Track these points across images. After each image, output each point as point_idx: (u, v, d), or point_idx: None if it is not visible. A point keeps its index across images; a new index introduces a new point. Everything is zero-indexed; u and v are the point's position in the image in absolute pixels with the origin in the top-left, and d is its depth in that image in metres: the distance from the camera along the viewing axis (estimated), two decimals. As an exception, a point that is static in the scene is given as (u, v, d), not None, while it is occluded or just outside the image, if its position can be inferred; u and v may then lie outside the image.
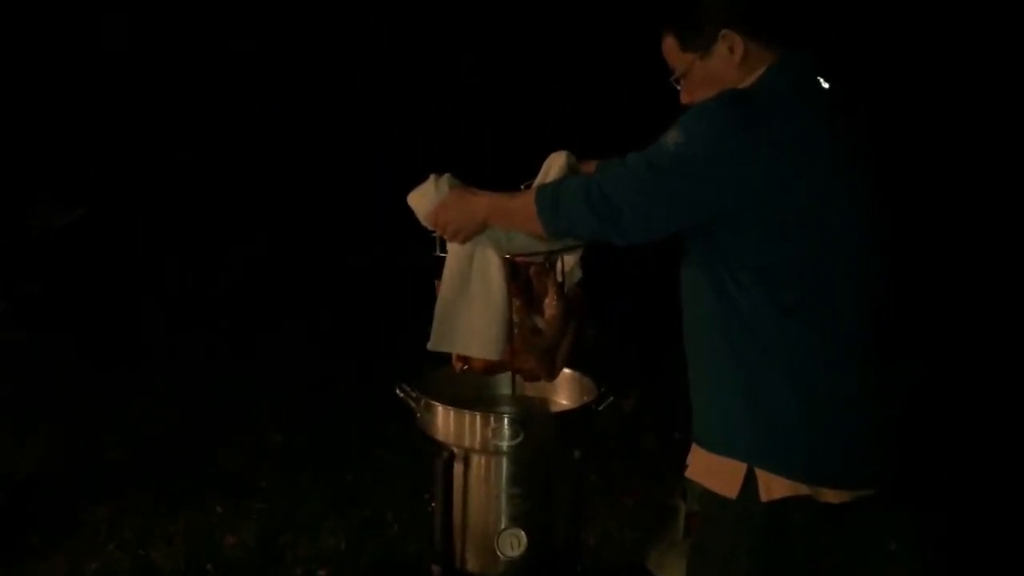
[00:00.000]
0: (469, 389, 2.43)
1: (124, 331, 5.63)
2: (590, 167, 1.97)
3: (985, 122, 6.88)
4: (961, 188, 6.69)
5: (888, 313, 1.75)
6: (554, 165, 1.95)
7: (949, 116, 6.84)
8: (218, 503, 3.53)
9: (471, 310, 1.97)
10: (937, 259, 5.95)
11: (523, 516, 2.20)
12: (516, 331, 2.01)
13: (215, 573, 3.11)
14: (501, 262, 1.95)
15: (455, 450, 2.20)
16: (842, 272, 1.67)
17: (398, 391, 2.32)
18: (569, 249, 2.01)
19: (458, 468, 2.21)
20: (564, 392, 2.47)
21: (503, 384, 2.33)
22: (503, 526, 2.19)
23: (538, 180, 1.93)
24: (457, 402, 2.24)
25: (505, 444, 2.14)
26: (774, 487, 1.66)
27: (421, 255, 2.04)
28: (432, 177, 1.96)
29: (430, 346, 2.01)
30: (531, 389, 2.43)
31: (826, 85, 1.71)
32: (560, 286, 2.04)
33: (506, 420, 2.15)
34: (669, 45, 1.79)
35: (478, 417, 2.17)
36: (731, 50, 1.70)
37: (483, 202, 1.88)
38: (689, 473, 1.79)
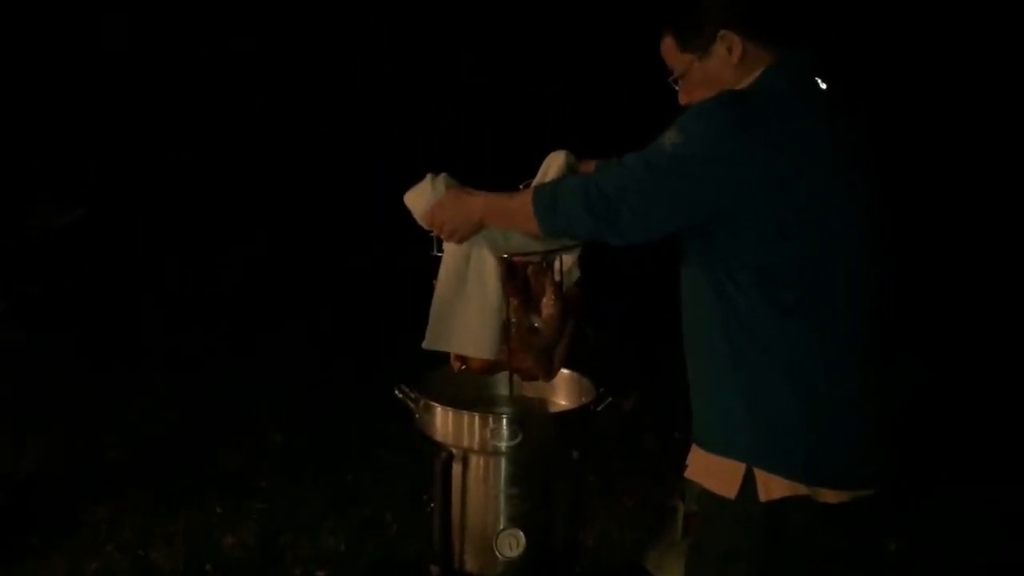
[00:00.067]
0: (468, 390, 2.43)
1: (124, 331, 5.63)
2: (589, 167, 1.97)
3: (985, 122, 6.87)
4: (961, 188, 6.69)
5: (888, 313, 1.75)
6: (553, 164, 1.95)
7: (948, 116, 6.84)
8: (218, 503, 3.53)
9: (467, 310, 1.97)
10: (937, 259, 5.96)
11: (522, 516, 2.19)
12: (513, 330, 2.01)
13: (214, 573, 3.11)
14: (497, 262, 1.95)
15: (454, 450, 2.20)
16: (842, 272, 1.67)
17: (397, 392, 2.32)
18: (566, 249, 2.01)
19: (457, 468, 2.20)
20: (563, 393, 2.46)
21: (502, 385, 2.33)
22: (502, 526, 2.19)
23: (537, 179, 1.93)
24: (456, 403, 2.24)
25: (504, 445, 2.14)
26: (773, 487, 1.66)
27: (421, 255, 2.04)
28: (429, 176, 1.96)
29: (425, 345, 2.02)
30: (530, 390, 2.43)
31: (824, 86, 1.71)
32: (558, 286, 2.04)
33: (505, 421, 2.15)
34: (668, 45, 1.79)
35: (477, 418, 2.17)
36: (729, 51, 1.70)
37: (479, 202, 1.89)
38: (688, 473, 1.79)
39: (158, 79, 7.37)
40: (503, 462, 2.19)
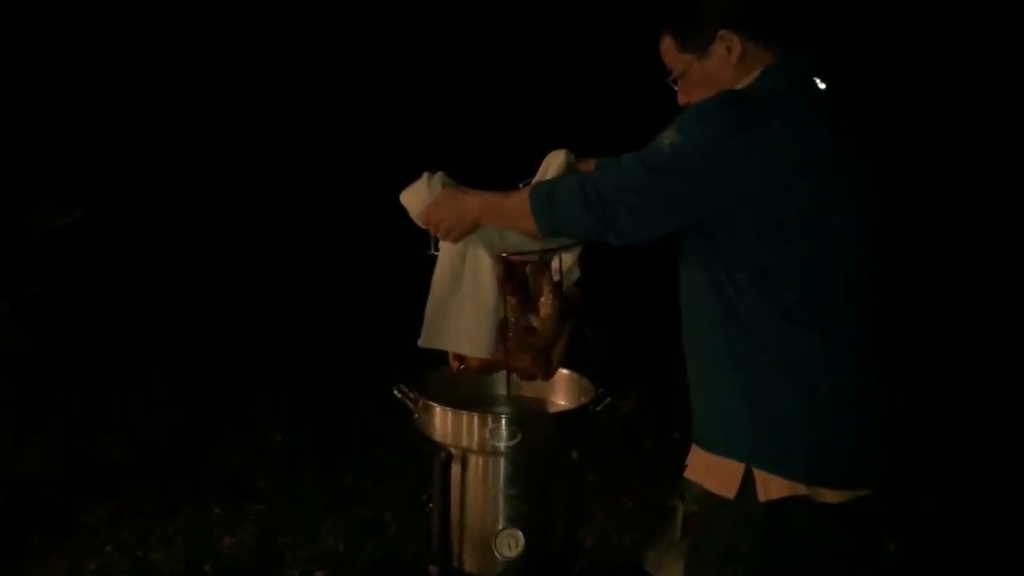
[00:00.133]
0: (467, 390, 2.43)
1: (124, 331, 5.64)
2: (589, 166, 1.96)
3: (985, 122, 6.87)
4: (960, 188, 6.69)
5: (888, 313, 1.75)
6: (553, 163, 1.95)
7: (948, 116, 6.84)
8: (217, 504, 3.53)
9: (462, 308, 1.97)
10: (937, 259, 5.95)
11: (521, 517, 2.19)
12: (511, 330, 2.01)
13: (213, 574, 3.11)
14: (493, 261, 1.95)
15: (453, 451, 2.20)
16: (842, 272, 1.67)
17: (396, 392, 2.32)
18: (565, 248, 2.01)
19: (456, 469, 2.20)
20: (562, 393, 2.46)
21: (501, 385, 2.33)
22: (501, 527, 2.19)
23: (536, 178, 1.93)
24: (455, 403, 2.24)
25: (503, 445, 2.14)
26: (772, 487, 1.65)
27: (421, 255, 2.04)
28: (425, 175, 1.96)
29: (420, 343, 2.02)
30: (529, 390, 2.43)
31: (822, 86, 1.71)
32: (557, 285, 2.03)
33: (504, 421, 2.14)
34: (667, 45, 1.78)
35: (476, 418, 2.17)
36: (729, 51, 1.70)
37: (475, 201, 1.88)
38: (688, 473, 1.79)
39: (158, 79, 7.36)
40: (502, 462, 2.19)
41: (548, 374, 2.13)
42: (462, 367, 2.10)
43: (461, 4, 7.57)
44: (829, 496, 1.67)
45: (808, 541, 1.71)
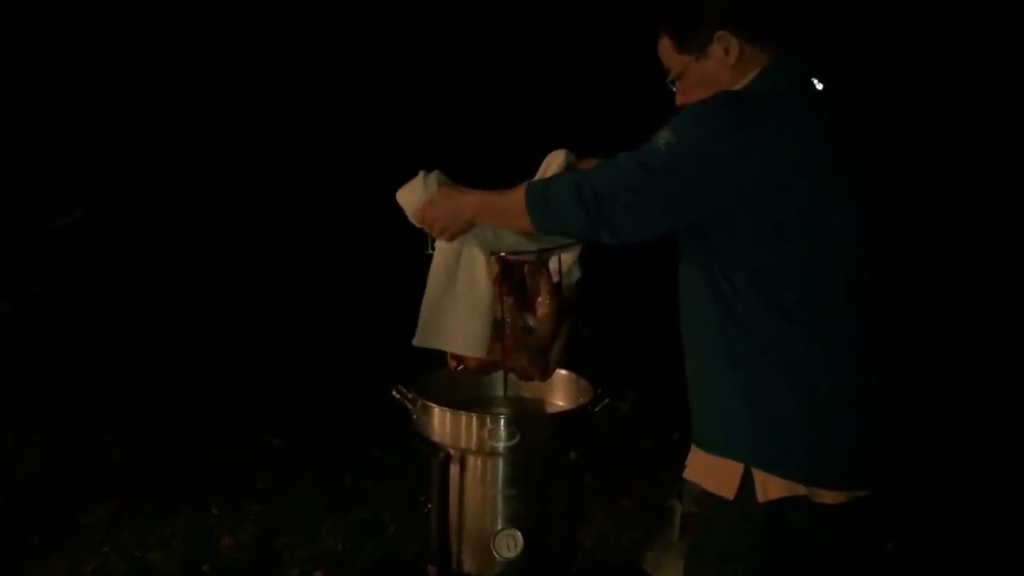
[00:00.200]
0: (466, 390, 2.43)
1: (124, 331, 5.64)
2: (589, 166, 1.95)
3: (984, 122, 6.87)
4: (960, 187, 6.68)
5: (888, 313, 1.75)
6: (553, 163, 1.95)
7: (948, 115, 6.83)
8: (216, 504, 3.53)
9: (457, 308, 1.97)
10: (937, 259, 5.95)
11: (519, 517, 2.19)
12: (508, 330, 2.01)
13: (212, 574, 3.11)
14: (488, 260, 1.94)
15: (451, 451, 2.20)
16: (842, 272, 1.66)
17: (394, 392, 2.32)
18: (561, 248, 2.00)
19: (454, 469, 2.20)
20: (560, 393, 2.46)
21: (500, 385, 2.33)
22: (499, 527, 2.19)
23: (536, 178, 1.93)
24: (453, 403, 2.24)
25: (501, 445, 2.14)
26: (771, 487, 1.65)
27: (421, 255, 2.04)
28: (421, 174, 1.96)
29: (415, 342, 2.01)
30: (527, 390, 2.43)
31: (820, 86, 1.70)
32: (555, 286, 2.03)
33: (502, 421, 2.15)
34: (665, 46, 1.78)
35: (474, 418, 2.17)
36: (727, 52, 1.70)
37: (471, 200, 1.88)
38: (687, 474, 1.79)
39: (158, 79, 7.36)
40: (500, 463, 2.19)
41: (546, 374, 2.13)
42: (460, 367, 2.10)
43: (461, 4, 7.57)
44: (828, 496, 1.67)
45: (807, 541, 1.71)
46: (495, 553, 2.19)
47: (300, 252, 6.98)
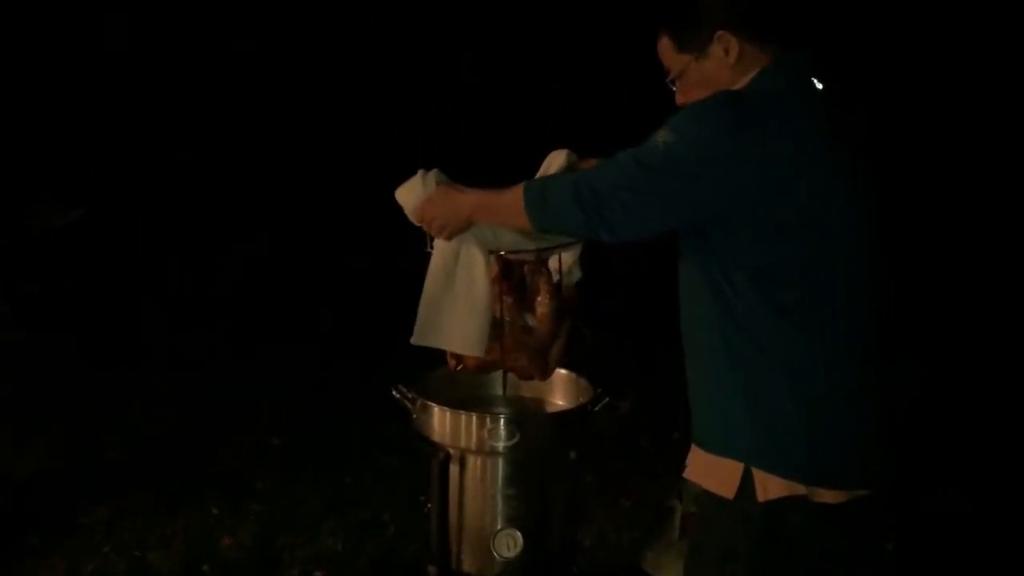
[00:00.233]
0: (466, 390, 2.43)
1: (124, 331, 5.63)
2: (590, 165, 1.96)
3: (985, 122, 6.87)
4: (960, 187, 6.68)
5: (888, 313, 1.75)
6: (554, 163, 1.95)
7: (948, 115, 6.83)
8: (216, 504, 3.53)
9: (455, 306, 1.97)
10: (937, 259, 5.95)
11: (519, 517, 2.20)
12: (507, 329, 2.01)
13: (211, 574, 3.11)
14: (486, 259, 1.94)
15: (451, 451, 2.20)
16: (842, 272, 1.67)
17: (394, 392, 2.32)
18: (561, 247, 2.00)
19: (454, 469, 2.21)
20: (560, 393, 2.47)
21: (499, 385, 2.33)
22: (499, 527, 2.19)
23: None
24: (453, 403, 2.24)
25: (501, 445, 2.14)
26: (771, 487, 1.65)
27: (421, 255, 2.04)
28: (420, 172, 1.96)
29: (413, 340, 2.01)
30: (527, 390, 2.43)
31: (820, 86, 1.71)
32: (555, 285, 2.03)
33: (502, 421, 2.15)
34: (665, 46, 1.78)
35: (474, 418, 2.17)
36: (726, 51, 1.70)
37: (469, 199, 1.88)
38: (687, 474, 1.79)
39: (158, 79, 7.36)
40: (500, 462, 2.19)
41: (545, 374, 2.13)
42: (460, 366, 2.10)
43: (461, 4, 7.57)
44: (828, 496, 1.67)
45: (807, 541, 1.71)
46: (495, 553, 2.19)
47: (300, 252, 6.98)
